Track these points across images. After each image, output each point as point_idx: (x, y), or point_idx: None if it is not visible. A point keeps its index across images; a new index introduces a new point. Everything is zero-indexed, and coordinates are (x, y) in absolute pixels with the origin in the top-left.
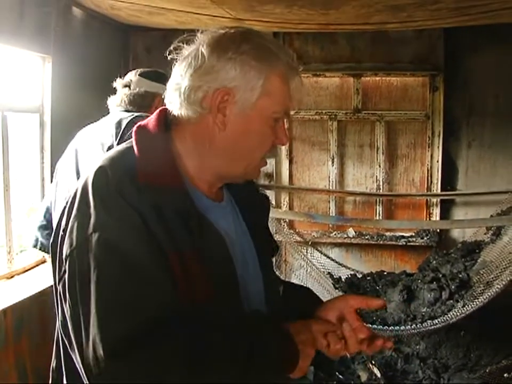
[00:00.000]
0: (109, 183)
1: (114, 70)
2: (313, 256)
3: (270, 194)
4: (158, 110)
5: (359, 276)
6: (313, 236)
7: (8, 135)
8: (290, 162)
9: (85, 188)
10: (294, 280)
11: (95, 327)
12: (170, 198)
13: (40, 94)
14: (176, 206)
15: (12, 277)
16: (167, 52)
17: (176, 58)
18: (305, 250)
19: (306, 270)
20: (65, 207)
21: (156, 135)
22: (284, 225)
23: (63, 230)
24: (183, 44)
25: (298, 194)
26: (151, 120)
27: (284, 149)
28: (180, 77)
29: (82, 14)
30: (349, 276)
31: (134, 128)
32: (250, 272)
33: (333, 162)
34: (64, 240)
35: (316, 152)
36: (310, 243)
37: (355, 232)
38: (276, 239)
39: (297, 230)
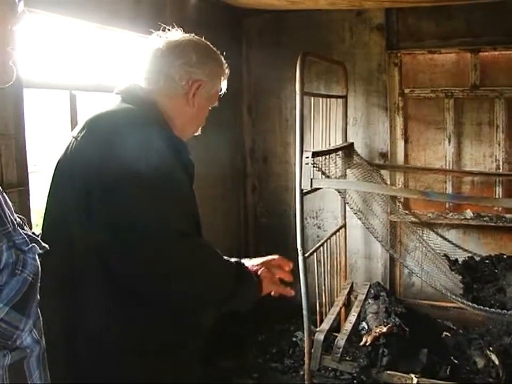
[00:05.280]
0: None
1: (227, 54)
2: (428, 237)
3: (385, 174)
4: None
5: (477, 258)
6: (429, 216)
7: (77, 115)
8: (406, 142)
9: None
10: (409, 262)
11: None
12: (182, 146)
13: None
14: (185, 153)
15: None
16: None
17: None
18: (420, 231)
19: (422, 251)
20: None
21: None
22: (399, 205)
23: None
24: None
25: (413, 174)
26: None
27: (398, 129)
28: (167, 64)
29: None
30: (466, 258)
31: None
32: None
33: (449, 141)
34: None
35: (432, 131)
36: (425, 224)
37: (473, 213)
38: (390, 219)
39: (412, 211)
